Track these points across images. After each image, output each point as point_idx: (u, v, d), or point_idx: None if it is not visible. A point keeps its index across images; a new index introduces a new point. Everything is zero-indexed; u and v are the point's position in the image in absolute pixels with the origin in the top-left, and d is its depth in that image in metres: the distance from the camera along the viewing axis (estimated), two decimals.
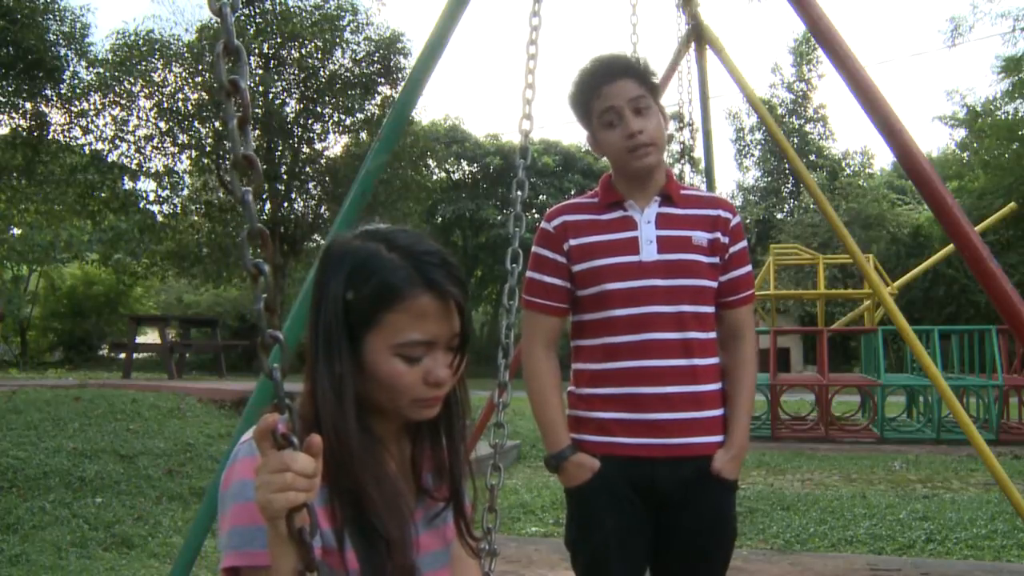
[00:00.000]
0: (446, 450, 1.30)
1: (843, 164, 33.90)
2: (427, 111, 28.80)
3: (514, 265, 2.13)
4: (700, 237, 1.99)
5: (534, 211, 29.12)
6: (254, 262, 0.98)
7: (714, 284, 2.00)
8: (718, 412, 1.99)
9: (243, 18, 17.44)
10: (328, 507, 1.13)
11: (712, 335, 2.01)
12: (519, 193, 2.21)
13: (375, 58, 18.50)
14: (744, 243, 2.07)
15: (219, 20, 0.95)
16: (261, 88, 17.72)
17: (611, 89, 1.96)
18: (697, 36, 4.67)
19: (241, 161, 0.97)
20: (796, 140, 32.39)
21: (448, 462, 1.30)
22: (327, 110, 18.61)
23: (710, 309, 2.01)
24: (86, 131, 16.61)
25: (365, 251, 1.18)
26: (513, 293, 2.14)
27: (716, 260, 2.00)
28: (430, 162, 23.27)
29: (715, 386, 2.00)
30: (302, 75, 18.19)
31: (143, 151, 17.80)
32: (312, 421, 1.16)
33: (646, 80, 1.99)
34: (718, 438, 1.98)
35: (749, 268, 2.09)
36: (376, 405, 1.20)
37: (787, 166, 30.17)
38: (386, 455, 1.23)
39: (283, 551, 0.99)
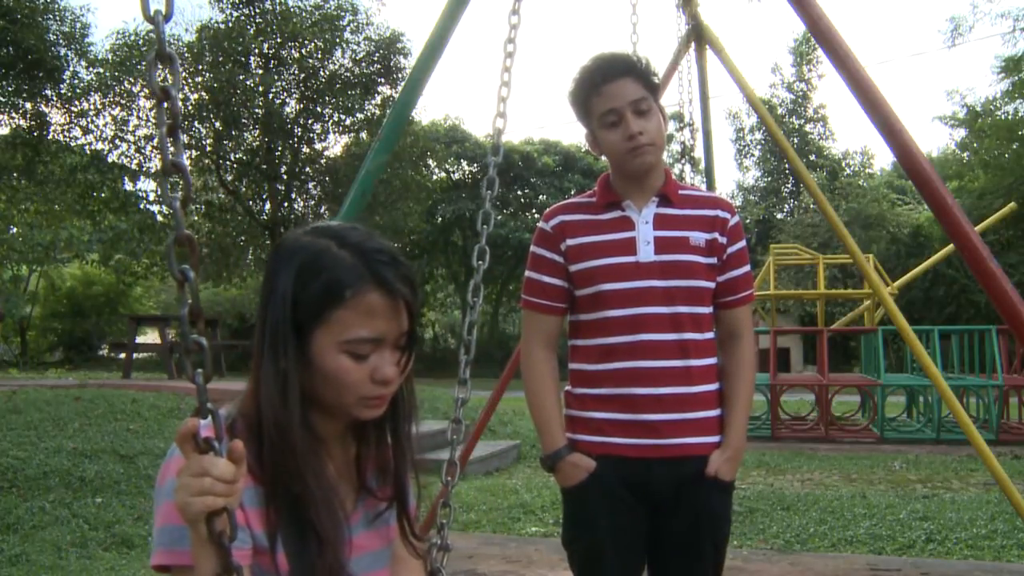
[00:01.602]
0: (391, 450, 1.30)
1: (843, 164, 33.91)
2: (427, 111, 28.86)
3: (480, 263, 2.14)
4: (698, 237, 1.98)
5: (534, 211, 29.13)
6: (180, 268, 0.99)
7: (711, 285, 2.00)
8: (714, 412, 1.99)
9: (243, 18, 17.46)
10: (263, 508, 1.13)
11: (709, 336, 2.00)
12: (488, 192, 2.22)
13: (375, 58, 18.51)
14: (743, 243, 2.06)
15: (152, 27, 0.98)
16: (261, 88, 17.73)
17: (613, 89, 1.95)
18: (697, 36, 4.67)
19: (170, 168, 0.99)
20: (796, 140, 32.40)
21: (393, 462, 1.30)
22: (327, 110, 18.63)
23: (707, 310, 2.00)
24: (86, 131, 16.63)
25: (315, 247, 1.17)
26: (478, 290, 2.14)
27: (714, 261, 1.99)
28: (430, 162, 23.28)
29: (711, 387, 1.99)
30: (302, 75, 18.21)
31: (143, 151, 17.82)
32: (255, 418, 1.16)
33: (648, 80, 1.98)
34: (714, 438, 1.98)
35: (748, 268, 2.08)
36: (322, 403, 1.20)
37: (787, 166, 30.17)
38: (325, 456, 1.22)
39: (204, 553, 1.00)
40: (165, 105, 0.99)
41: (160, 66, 1.00)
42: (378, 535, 1.29)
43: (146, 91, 17.04)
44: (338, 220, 2.50)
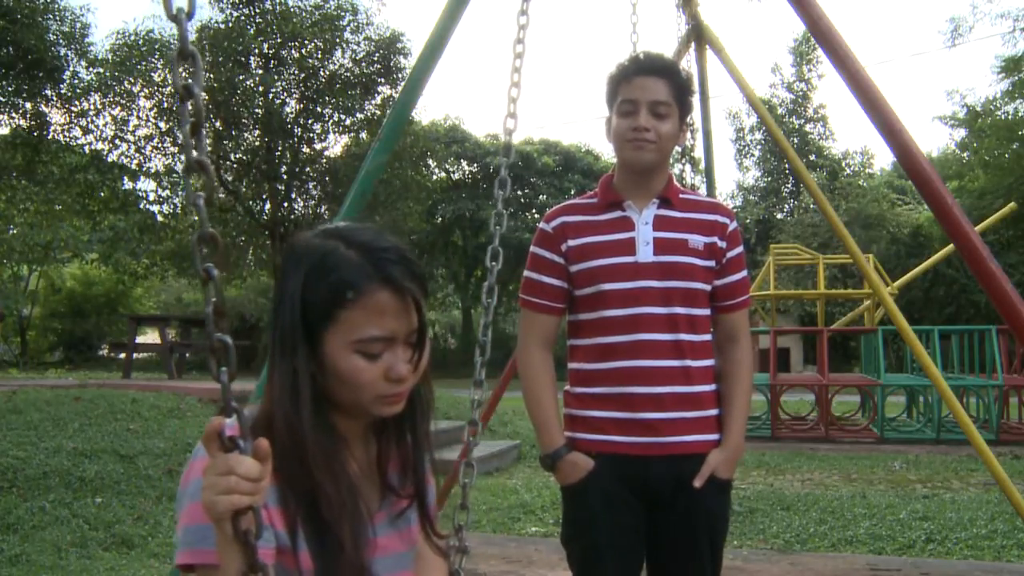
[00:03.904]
0: (411, 447, 1.30)
1: (843, 164, 33.90)
2: (427, 111, 28.84)
3: (493, 263, 2.14)
4: (697, 240, 2.00)
5: (534, 211, 29.11)
6: (204, 266, 0.99)
7: (708, 287, 2.02)
8: (712, 412, 2.01)
9: (243, 18, 17.45)
10: (282, 507, 1.14)
11: (706, 337, 2.02)
12: (500, 192, 2.23)
13: (375, 58, 18.51)
14: (741, 248, 2.09)
15: (176, 25, 0.98)
16: (261, 88, 17.72)
17: (641, 82, 1.97)
18: (697, 36, 4.67)
19: (194, 165, 0.99)
20: (796, 140, 32.38)
21: (412, 459, 1.30)
22: (327, 110, 18.62)
23: (703, 312, 2.02)
24: (86, 131, 16.64)
25: (323, 249, 1.18)
26: (492, 291, 2.15)
27: (712, 264, 2.02)
28: (430, 162, 23.28)
29: (709, 387, 2.01)
30: (302, 75, 18.20)
31: (143, 151, 17.82)
32: (270, 418, 1.16)
33: (678, 88, 1.99)
34: (713, 436, 2.00)
35: (745, 273, 2.11)
36: (341, 404, 1.20)
37: (787, 166, 30.17)
38: (347, 455, 1.23)
39: (230, 551, 1.00)
40: (188, 103, 0.98)
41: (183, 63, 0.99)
42: (401, 536, 1.29)
43: (146, 91, 17.05)
44: (338, 220, 2.51)
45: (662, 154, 1.99)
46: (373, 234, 1.21)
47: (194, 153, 0.99)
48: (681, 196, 2.06)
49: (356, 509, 1.17)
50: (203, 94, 0.99)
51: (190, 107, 0.99)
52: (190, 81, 0.97)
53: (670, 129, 1.98)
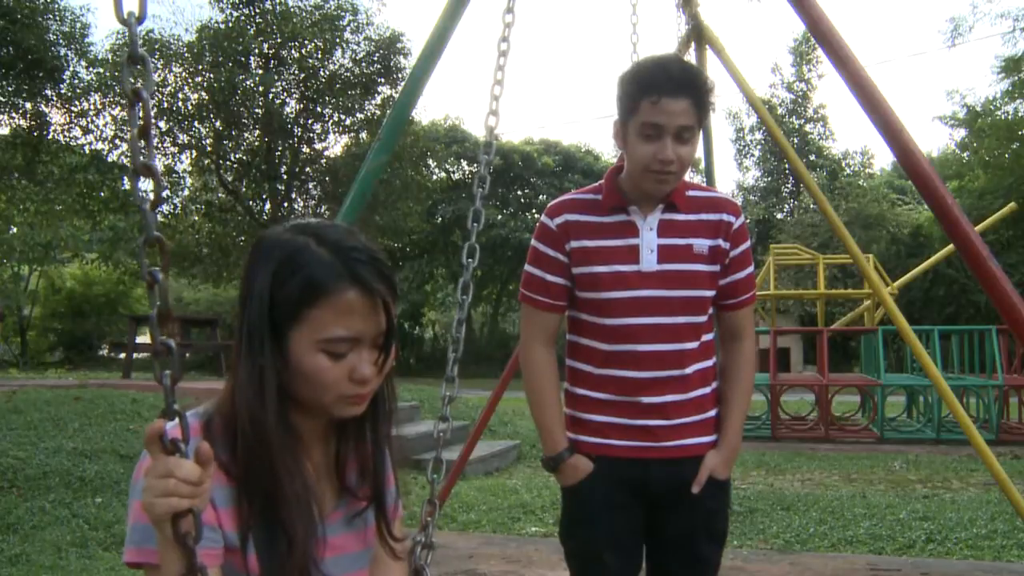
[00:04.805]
0: (371, 449, 1.29)
1: (843, 164, 33.91)
2: (427, 111, 28.80)
3: (470, 260, 2.13)
4: (701, 245, 1.95)
5: (534, 211, 29.12)
6: (149, 270, 0.99)
7: (712, 294, 1.98)
8: (711, 413, 2.00)
9: (243, 18, 17.45)
10: (235, 507, 1.13)
11: (708, 338, 2.00)
12: (480, 189, 2.22)
13: (375, 58, 18.49)
14: (746, 245, 2.03)
15: (127, 28, 0.98)
16: (261, 88, 17.72)
17: (669, 105, 1.81)
18: (697, 36, 4.67)
19: (142, 170, 0.99)
20: (796, 140, 32.37)
21: (372, 461, 1.29)
22: (327, 110, 18.60)
23: (705, 318, 1.99)
24: (86, 131, 16.61)
25: (293, 245, 1.16)
26: (467, 288, 2.14)
27: (716, 268, 1.97)
28: (430, 162, 23.26)
29: (707, 389, 2.00)
30: (302, 75, 18.19)
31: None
32: (231, 416, 1.15)
33: (703, 109, 1.88)
34: (712, 438, 1.99)
35: (751, 270, 2.05)
36: (302, 402, 1.20)
37: (787, 166, 30.16)
38: (303, 455, 1.22)
39: (170, 553, 1.00)
40: (138, 106, 0.99)
41: (131, 67, 0.99)
42: (357, 537, 1.28)
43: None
44: (338, 220, 2.51)
45: (682, 178, 1.93)
46: (344, 232, 1.19)
47: (142, 158, 0.99)
48: (688, 195, 1.99)
49: (308, 509, 1.17)
50: (151, 99, 1.00)
51: (139, 111, 0.99)
52: (138, 85, 0.98)
53: (692, 150, 1.90)
